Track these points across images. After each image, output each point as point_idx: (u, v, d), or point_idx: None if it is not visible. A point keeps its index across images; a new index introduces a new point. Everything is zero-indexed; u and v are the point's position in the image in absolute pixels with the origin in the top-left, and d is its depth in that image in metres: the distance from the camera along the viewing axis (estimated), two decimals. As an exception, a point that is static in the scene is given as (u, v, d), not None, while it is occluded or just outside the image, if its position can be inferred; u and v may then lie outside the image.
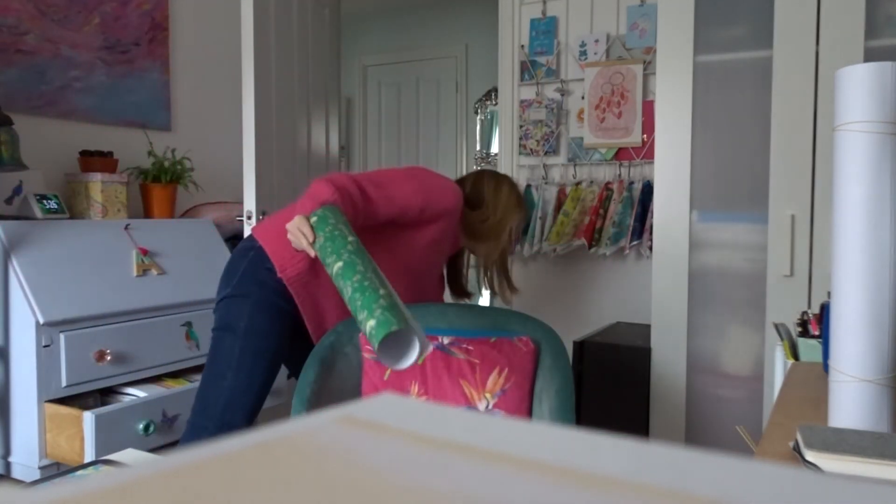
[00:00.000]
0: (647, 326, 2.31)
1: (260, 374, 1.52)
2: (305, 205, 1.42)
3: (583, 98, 2.74)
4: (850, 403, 0.78)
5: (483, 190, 1.77)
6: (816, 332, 1.37)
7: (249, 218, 2.40)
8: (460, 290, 1.96)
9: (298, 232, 1.34)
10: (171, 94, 2.69)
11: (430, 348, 1.44)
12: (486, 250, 1.75)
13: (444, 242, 1.71)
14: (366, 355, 1.51)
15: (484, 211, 1.76)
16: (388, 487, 0.18)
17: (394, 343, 1.19)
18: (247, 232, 2.41)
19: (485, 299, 4.30)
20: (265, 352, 1.52)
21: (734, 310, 2.11)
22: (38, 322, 1.76)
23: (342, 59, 3.07)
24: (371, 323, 1.16)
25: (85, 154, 2.29)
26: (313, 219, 1.36)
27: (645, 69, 2.63)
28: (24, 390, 1.81)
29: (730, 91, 2.10)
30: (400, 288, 1.61)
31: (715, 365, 2.15)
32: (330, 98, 2.93)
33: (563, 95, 2.81)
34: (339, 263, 1.27)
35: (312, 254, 1.34)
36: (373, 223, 1.54)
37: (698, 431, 2.17)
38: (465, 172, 3.80)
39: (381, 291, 1.21)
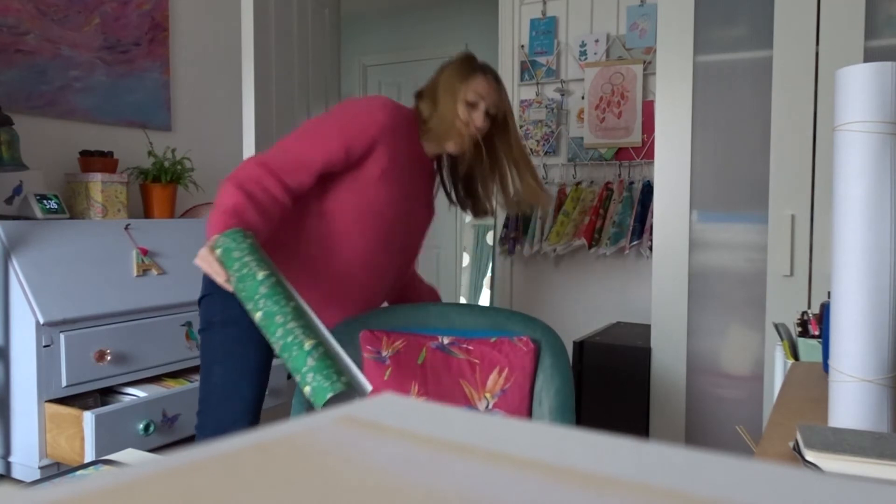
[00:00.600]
0: (647, 326, 2.31)
1: (248, 360, 1.48)
2: (215, 220, 1.32)
3: (583, 98, 2.74)
4: (850, 403, 0.78)
5: (429, 83, 1.60)
6: (816, 332, 1.37)
7: (249, 218, 2.39)
8: (481, 210, 1.70)
9: (210, 269, 1.29)
10: (171, 94, 2.69)
11: (369, 390, 1.28)
12: (455, 146, 1.53)
13: (402, 172, 1.50)
14: (365, 355, 1.51)
15: (426, 102, 1.57)
16: (388, 487, 0.18)
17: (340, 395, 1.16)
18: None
19: (485, 298, 4.29)
20: (247, 338, 1.47)
21: (734, 310, 2.11)
22: (38, 322, 1.76)
23: (342, 59, 3.07)
24: (307, 390, 1.13)
25: (85, 154, 2.29)
26: (218, 251, 1.27)
27: (645, 69, 2.63)
28: (24, 390, 1.81)
29: (730, 91, 2.10)
30: (385, 263, 1.53)
31: (715, 365, 2.15)
32: (330, 98, 2.93)
33: (563, 95, 2.81)
34: (258, 314, 1.21)
35: (231, 289, 1.27)
36: (304, 191, 1.43)
37: (698, 431, 2.17)
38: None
39: (307, 345, 1.16)
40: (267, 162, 1.39)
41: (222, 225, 1.31)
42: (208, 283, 1.52)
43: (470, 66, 1.54)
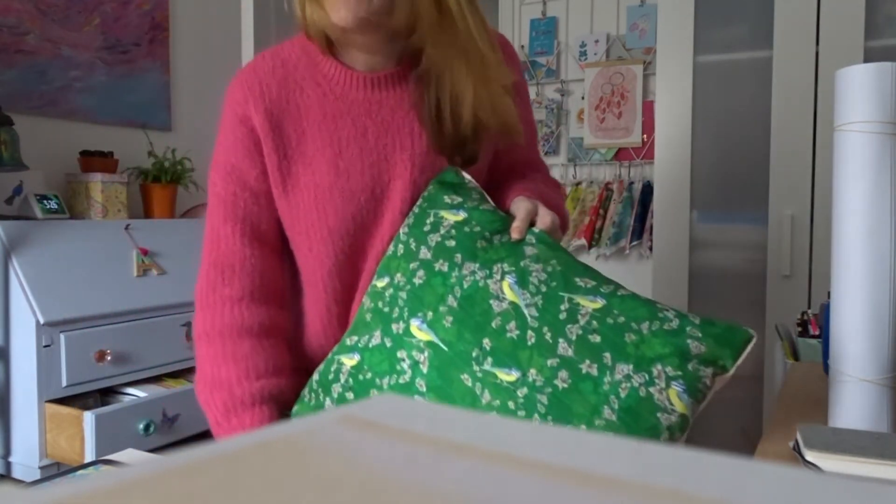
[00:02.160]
0: (647, 326, 2.31)
1: None
2: (226, 426, 0.91)
3: (583, 98, 2.74)
4: (850, 403, 0.78)
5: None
6: (816, 332, 1.37)
7: (249, 218, 2.39)
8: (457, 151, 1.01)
9: None
10: (171, 94, 2.69)
11: None
12: (339, 11, 0.84)
13: (329, 129, 0.90)
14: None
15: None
16: (388, 487, 0.18)
17: None
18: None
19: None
20: None
21: (734, 310, 2.11)
22: (38, 322, 1.76)
23: (342, 59, 3.07)
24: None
25: (85, 154, 2.29)
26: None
27: (645, 69, 2.63)
28: (25, 390, 1.81)
29: (730, 91, 2.10)
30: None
31: (715, 365, 2.15)
32: (330, 98, 2.93)
33: (563, 96, 2.81)
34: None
35: None
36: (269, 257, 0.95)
37: (698, 431, 2.17)
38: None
39: None
40: (205, 269, 0.98)
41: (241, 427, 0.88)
42: None
43: None
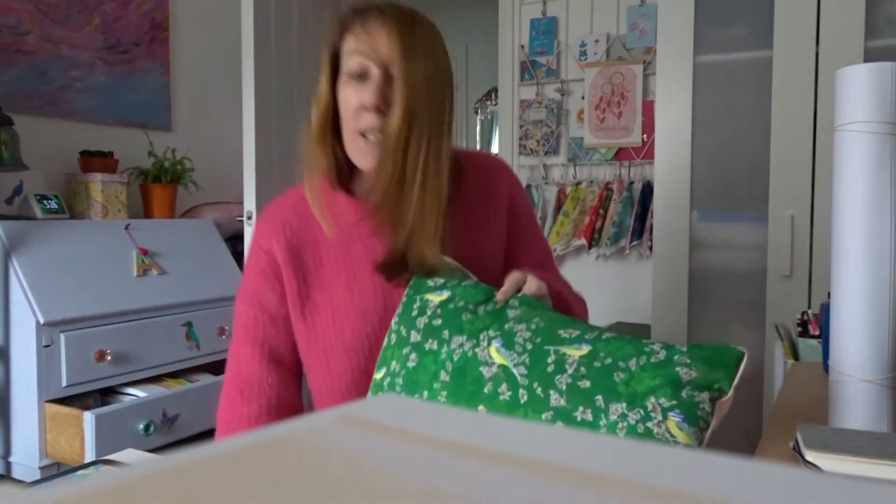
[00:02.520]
0: (647, 326, 2.31)
1: None
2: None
3: (583, 98, 2.74)
4: (850, 403, 0.78)
5: None
6: (816, 332, 1.37)
7: (249, 218, 2.40)
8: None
9: None
10: (171, 94, 2.69)
11: None
12: (363, 158, 0.94)
13: (347, 266, 0.97)
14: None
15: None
16: (388, 487, 0.18)
17: None
18: (247, 232, 2.41)
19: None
20: None
21: (734, 310, 2.10)
22: (38, 322, 1.76)
23: (342, 59, 3.07)
24: None
25: (85, 154, 2.29)
26: None
27: (645, 69, 2.63)
28: (25, 390, 1.81)
29: (730, 91, 2.10)
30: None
31: (715, 365, 2.15)
32: (330, 98, 2.92)
33: (563, 95, 2.81)
34: None
35: None
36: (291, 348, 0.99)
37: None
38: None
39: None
40: (226, 389, 1.00)
41: None
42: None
43: (343, 20, 0.96)
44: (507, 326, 0.80)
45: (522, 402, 0.74)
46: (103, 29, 2.42)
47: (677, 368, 0.70)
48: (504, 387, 0.75)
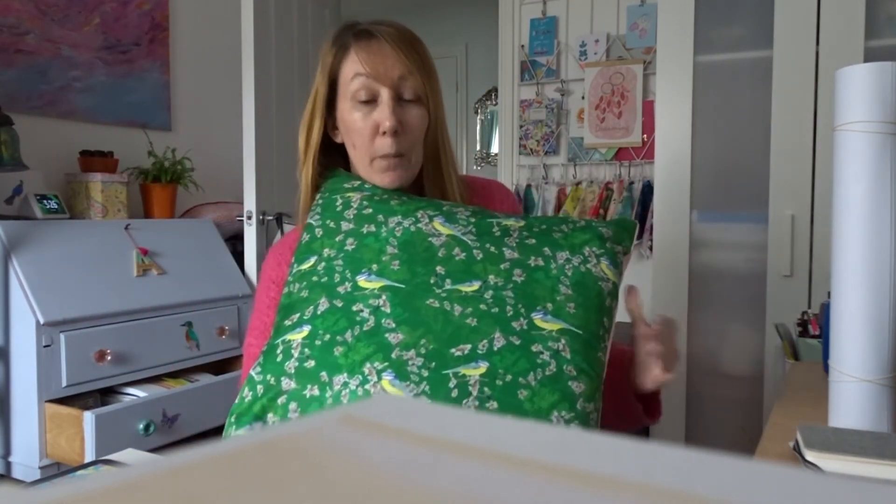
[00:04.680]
0: (647, 326, 2.30)
1: None
2: None
3: (583, 98, 2.74)
4: (850, 403, 0.78)
5: None
6: (816, 332, 1.37)
7: (249, 218, 2.40)
8: None
9: None
10: (171, 94, 2.69)
11: None
12: (382, 178, 0.93)
13: None
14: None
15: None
16: (388, 487, 0.18)
17: None
18: (247, 232, 2.41)
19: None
20: None
21: (734, 310, 2.10)
22: (38, 322, 1.76)
23: (342, 59, 3.06)
24: None
25: (85, 154, 2.29)
26: None
27: (645, 69, 2.63)
28: (24, 390, 1.81)
29: (730, 91, 2.10)
30: None
31: (715, 365, 2.15)
32: (330, 98, 2.92)
33: (563, 95, 2.81)
34: None
35: None
36: None
37: (698, 431, 2.17)
38: (465, 172, 3.79)
39: None
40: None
41: None
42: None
43: (338, 42, 0.93)
44: (444, 208, 0.87)
45: (479, 258, 0.80)
46: (103, 29, 2.42)
47: (600, 228, 0.86)
48: (457, 250, 0.81)
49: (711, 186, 2.12)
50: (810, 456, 0.67)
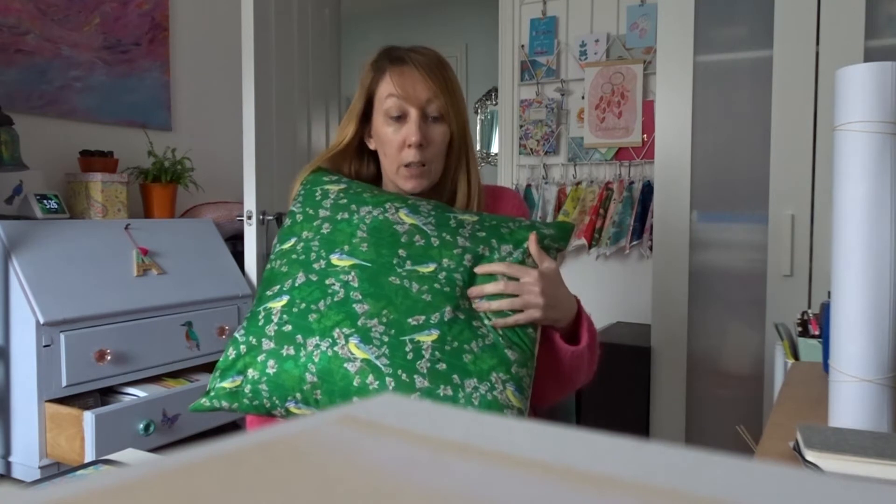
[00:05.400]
0: (647, 326, 2.31)
1: None
2: None
3: (583, 98, 2.74)
4: (850, 403, 0.78)
5: None
6: (816, 332, 1.37)
7: (249, 218, 2.40)
8: None
9: None
10: (171, 94, 2.69)
11: None
12: (408, 184, 1.07)
13: None
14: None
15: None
16: (388, 487, 0.18)
17: None
18: (247, 232, 2.42)
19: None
20: None
21: (734, 310, 2.11)
22: (38, 322, 1.76)
23: (342, 59, 3.07)
24: None
25: (85, 154, 2.29)
26: None
27: (645, 69, 2.63)
28: (24, 390, 1.81)
29: (730, 91, 2.10)
30: None
31: (715, 365, 2.15)
32: (330, 98, 2.93)
33: (563, 95, 2.81)
34: None
35: None
36: None
37: (698, 431, 2.17)
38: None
39: None
40: None
41: None
42: None
43: (376, 65, 1.09)
44: (409, 201, 0.99)
45: (436, 245, 0.93)
46: (103, 29, 2.42)
47: (542, 229, 0.99)
48: (418, 237, 0.93)
49: (711, 186, 2.12)
50: (810, 456, 0.67)
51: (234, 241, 2.55)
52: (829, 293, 0.96)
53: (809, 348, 1.34)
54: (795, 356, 1.38)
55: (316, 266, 0.91)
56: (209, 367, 2.23)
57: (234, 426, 2.17)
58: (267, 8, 2.43)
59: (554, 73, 2.82)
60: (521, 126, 2.87)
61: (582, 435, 0.23)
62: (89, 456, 1.73)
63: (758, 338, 2.06)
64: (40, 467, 1.80)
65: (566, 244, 1.02)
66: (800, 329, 1.41)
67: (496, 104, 3.95)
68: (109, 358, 1.89)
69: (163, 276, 2.12)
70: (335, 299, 0.87)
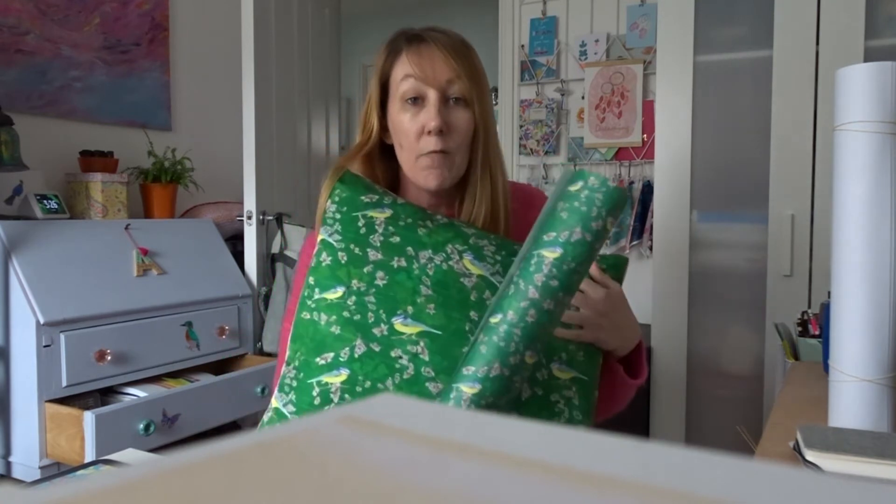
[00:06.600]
0: (647, 326, 2.31)
1: None
2: None
3: (583, 98, 2.74)
4: (850, 403, 0.78)
5: None
6: (816, 332, 1.37)
7: (249, 218, 2.40)
8: None
9: None
10: (171, 94, 2.69)
11: None
12: (424, 178, 0.95)
13: None
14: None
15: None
16: (388, 487, 0.18)
17: None
18: (247, 232, 2.42)
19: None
20: None
21: (734, 310, 2.10)
22: (38, 322, 1.76)
23: (342, 59, 3.07)
24: None
25: (85, 154, 2.29)
26: None
27: (645, 69, 2.63)
28: (24, 390, 1.81)
29: (730, 91, 2.10)
30: None
31: (715, 365, 2.15)
32: (330, 98, 2.93)
33: (563, 95, 2.81)
34: None
35: None
36: None
37: (698, 431, 2.17)
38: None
39: None
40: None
41: None
42: None
43: (391, 46, 0.97)
44: (471, 241, 0.85)
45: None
46: (103, 29, 2.42)
47: (600, 262, 0.91)
48: (487, 293, 0.81)
49: (711, 186, 2.12)
50: (810, 456, 0.67)
51: (234, 241, 2.55)
52: (829, 293, 0.96)
53: (809, 348, 1.34)
54: (795, 356, 1.38)
55: (377, 332, 0.78)
56: (209, 367, 2.23)
57: (234, 426, 2.17)
58: (267, 8, 2.43)
59: (554, 73, 2.82)
60: (521, 126, 2.87)
61: (582, 435, 0.23)
62: (89, 456, 1.73)
63: (758, 338, 2.06)
64: (40, 467, 1.80)
65: (620, 280, 0.91)
66: (800, 329, 1.41)
67: (496, 104, 3.95)
68: (109, 358, 1.89)
69: (163, 276, 2.12)
70: (404, 377, 0.76)
